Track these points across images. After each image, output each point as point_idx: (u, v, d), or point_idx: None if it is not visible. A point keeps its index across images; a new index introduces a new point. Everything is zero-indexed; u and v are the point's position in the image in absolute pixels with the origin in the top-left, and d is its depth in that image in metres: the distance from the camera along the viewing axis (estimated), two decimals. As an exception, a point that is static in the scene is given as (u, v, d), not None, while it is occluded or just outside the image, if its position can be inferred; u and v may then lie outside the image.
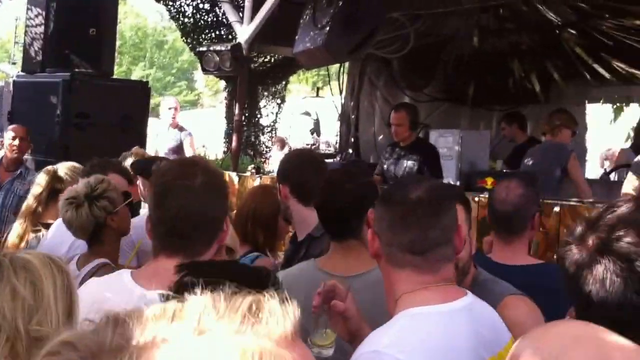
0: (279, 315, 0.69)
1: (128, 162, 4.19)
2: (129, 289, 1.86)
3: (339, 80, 8.60)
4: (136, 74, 27.07)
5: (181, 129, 7.79)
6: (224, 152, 8.22)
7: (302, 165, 3.13)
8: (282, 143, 11.92)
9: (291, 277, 2.41)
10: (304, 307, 0.78)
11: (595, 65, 7.87)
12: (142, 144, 6.23)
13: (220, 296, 0.70)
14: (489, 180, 6.53)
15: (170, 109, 7.72)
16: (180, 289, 1.49)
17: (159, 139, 7.79)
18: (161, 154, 7.71)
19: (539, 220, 3.05)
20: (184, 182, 1.91)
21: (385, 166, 6.33)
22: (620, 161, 6.96)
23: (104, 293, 1.85)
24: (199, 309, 0.68)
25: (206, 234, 1.93)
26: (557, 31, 7.74)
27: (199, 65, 7.26)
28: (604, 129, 10.91)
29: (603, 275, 1.34)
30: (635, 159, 5.41)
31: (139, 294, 1.82)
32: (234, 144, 7.17)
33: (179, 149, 7.67)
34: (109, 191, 2.96)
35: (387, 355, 1.60)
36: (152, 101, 7.95)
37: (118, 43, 7.27)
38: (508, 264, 2.83)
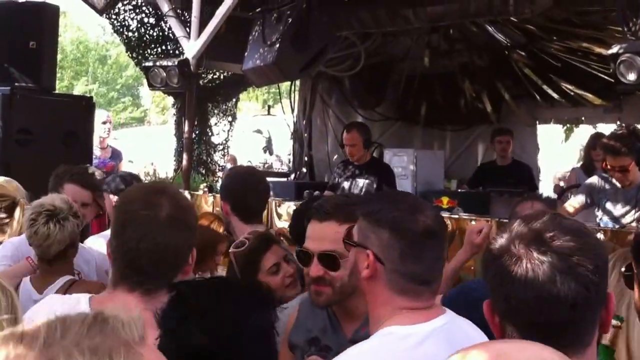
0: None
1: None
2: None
3: (290, 98, 8.76)
4: (78, 89, 26.77)
5: (114, 151, 7.60)
6: (175, 170, 8.27)
7: (244, 184, 3.31)
8: (234, 161, 12.01)
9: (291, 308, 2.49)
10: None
11: (545, 87, 8.22)
12: (89, 162, 6.24)
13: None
14: (445, 200, 6.78)
15: (104, 123, 7.45)
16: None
17: None
18: None
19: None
20: (148, 213, 1.83)
21: (338, 182, 6.49)
22: (572, 181, 7.27)
23: (56, 311, 1.92)
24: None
25: (167, 270, 1.87)
26: (507, 52, 8.06)
27: (144, 80, 7.29)
28: (556, 149, 11.33)
29: (541, 272, 1.38)
30: (586, 181, 5.72)
31: None
32: (184, 162, 7.21)
33: (109, 172, 7.56)
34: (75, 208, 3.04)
35: None
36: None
37: (59, 57, 7.24)
38: None
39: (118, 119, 23.68)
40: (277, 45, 6.12)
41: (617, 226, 5.18)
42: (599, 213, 5.50)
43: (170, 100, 11.69)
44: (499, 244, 1.47)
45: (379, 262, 1.81)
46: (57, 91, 6.84)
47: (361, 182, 6.29)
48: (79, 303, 1.90)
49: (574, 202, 5.54)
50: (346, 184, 6.38)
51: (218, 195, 6.41)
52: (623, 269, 2.03)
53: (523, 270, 1.40)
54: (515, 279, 1.40)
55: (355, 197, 2.49)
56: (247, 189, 3.28)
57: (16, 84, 6.19)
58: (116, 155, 7.75)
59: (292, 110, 8.88)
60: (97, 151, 7.43)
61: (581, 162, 8.08)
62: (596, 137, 7.12)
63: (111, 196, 3.81)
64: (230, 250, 2.95)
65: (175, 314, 1.59)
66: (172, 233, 1.84)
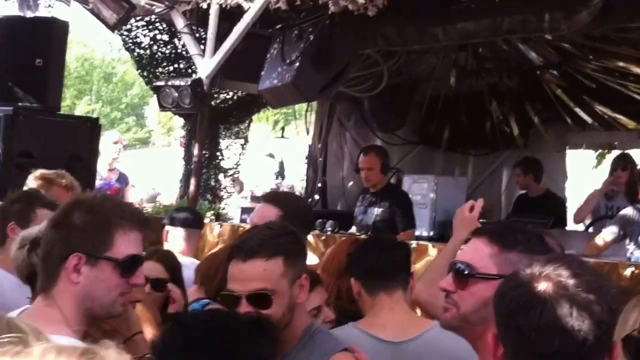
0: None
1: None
2: None
3: (305, 120, 8.66)
4: (81, 109, 26.91)
5: (121, 174, 7.62)
6: (181, 197, 8.14)
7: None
8: (241, 186, 11.89)
9: None
10: None
11: (577, 109, 8.10)
12: (92, 186, 6.14)
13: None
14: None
15: (115, 143, 7.55)
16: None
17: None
18: None
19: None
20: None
21: (355, 213, 6.35)
22: (590, 206, 7.08)
23: None
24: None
25: (48, 269, 2.04)
26: (538, 72, 7.95)
27: (150, 100, 7.22)
28: (587, 177, 11.15)
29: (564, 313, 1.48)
30: (620, 212, 5.56)
31: None
32: (192, 187, 7.09)
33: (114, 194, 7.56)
34: None
35: None
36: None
37: (62, 75, 7.19)
38: None
39: (121, 140, 23.77)
40: (297, 64, 6.06)
41: None
42: (631, 246, 5.35)
43: (176, 120, 11.59)
44: (519, 276, 1.57)
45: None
46: (60, 111, 6.76)
47: (375, 211, 6.13)
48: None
49: (606, 235, 5.38)
50: (361, 215, 6.25)
51: (225, 224, 6.30)
52: None
53: (541, 301, 1.49)
54: (532, 308, 1.50)
55: (277, 227, 2.43)
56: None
57: (20, 103, 6.13)
58: (123, 178, 7.72)
59: (307, 132, 8.77)
60: (103, 172, 7.45)
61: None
62: (620, 159, 6.97)
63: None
64: None
65: (175, 344, 1.69)
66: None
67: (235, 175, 9.66)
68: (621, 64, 7.25)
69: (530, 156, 7.76)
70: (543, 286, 1.51)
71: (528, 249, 1.89)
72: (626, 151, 7.71)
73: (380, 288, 2.79)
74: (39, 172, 4.31)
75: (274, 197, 3.56)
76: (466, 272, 1.97)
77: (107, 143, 7.65)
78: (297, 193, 11.28)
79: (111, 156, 7.49)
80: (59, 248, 2.03)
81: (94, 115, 25.24)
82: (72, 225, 2.03)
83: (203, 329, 1.70)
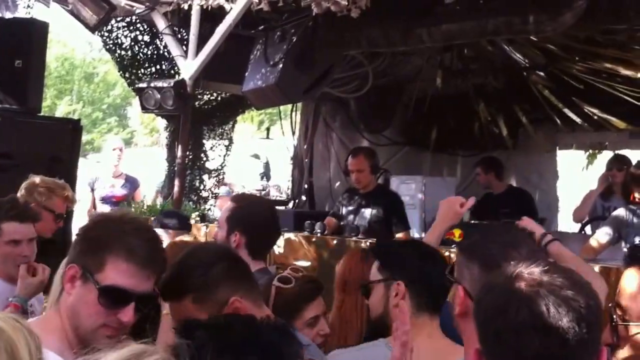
0: None
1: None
2: None
3: (290, 120, 8.73)
4: (62, 109, 26.79)
5: (128, 178, 7.91)
6: (165, 198, 8.21)
7: (268, 220, 3.33)
8: (231, 188, 11.93)
9: None
10: None
11: (566, 110, 8.21)
12: (72, 189, 6.19)
13: None
14: (457, 232, 6.68)
15: (114, 149, 7.81)
16: None
17: (97, 185, 7.83)
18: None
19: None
20: None
21: (343, 213, 6.42)
22: (587, 207, 7.21)
23: None
24: None
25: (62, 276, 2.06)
26: (525, 73, 8.05)
27: (132, 100, 7.28)
28: (578, 177, 11.27)
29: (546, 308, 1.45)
30: (612, 214, 5.63)
31: None
32: (176, 188, 7.14)
33: (120, 201, 7.74)
34: None
35: None
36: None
37: (41, 74, 7.23)
38: None
39: (103, 140, 23.68)
40: (280, 66, 6.12)
41: None
42: (627, 249, 5.33)
43: (159, 121, 11.61)
44: (494, 279, 1.58)
45: (469, 298, 1.87)
46: (41, 112, 6.81)
47: (368, 212, 6.23)
48: None
49: (600, 237, 5.36)
50: (352, 216, 6.33)
51: (212, 225, 6.36)
52: None
53: (516, 301, 1.47)
54: (508, 309, 1.48)
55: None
56: (270, 226, 3.22)
57: (-1, 105, 6.17)
58: (131, 182, 7.94)
59: (293, 133, 8.84)
60: (109, 180, 7.74)
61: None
62: (615, 159, 7.11)
63: None
64: (274, 284, 2.85)
65: (210, 347, 1.56)
66: None
67: (221, 177, 9.72)
68: (608, 65, 7.33)
69: (489, 155, 7.97)
70: (517, 286, 1.50)
71: (472, 254, 1.95)
72: (618, 152, 7.85)
73: (427, 308, 2.51)
74: (40, 179, 4.33)
75: (235, 198, 3.62)
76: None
77: (107, 150, 7.99)
78: (284, 193, 11.36)
79: (113, 163, 7.77)
80: (69, 256, 2.04)
81: (75, 116, 25.20)
82: (82, 235, 2.05)
83: (240, 330, 1.62)
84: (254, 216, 3.31)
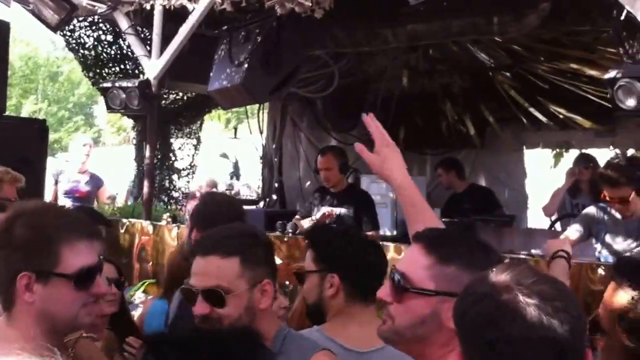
0: None
1: None
2: None
3: (258, 120, 8.75)
4: (27, 109, 26.61)
5: (93, 176, 8.11)
6: (135, 199, 8.21)
7: (223, 215, 3.27)
8: (214, 186, 11.96)
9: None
10: None
11: (532, 110, 8.33)
12: (40, 190, 6.16)
13: None
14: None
15: (85, 145, 8.09)
16: None
17: (61, 178, 7.92)
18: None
19: None
20: None
21: (315, 213, 6.47)
22: (555, 204, 7.37)
23: None
24: None
25: (3, 290, 1.99)
26: (491, 73, 8.15)
27: (98, 99, 7.26)
28: (546, 175, 11.41)
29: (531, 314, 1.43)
30: (583, 211, 5.74)
31: None
32: (145, 189, 7.11)
33: (83, 197, 7.79)
34: None
35: None
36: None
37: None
38: None
39: (70, 139, 23.50)
40: (245, 66, 6.13)
41: None
42: (598, 246, 5.47)
43: (126, 120, 11.56)
44: (477, 290, 1.52)
45: None
46: (6, 112, 6.76)
47: (338, 211, 6.28)
48: None
49: (570, 234, 5.43)
50: None
51: (183, 226, 6.36)
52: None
53: (509, 312, 1.43)
54: (501, 320, 1.44)
55: (239, 227, 2.53)
56: (228, 220, 3.22)
57: (-37, 106, 6.11)
58: (94, 181, 8.11)
59: (261, 132, 8.87)
60: (74, 175, 7.97)
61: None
62: (581, 158, 7.27)
63: None
64: None
65: None
66: None
67: (190, 176, 9.73)
68: (574, 65, 7.44)
69: (449, 156, 8.13)
70: (507, 297, 1.46)
71: (469, 263, 1.84)
72: (584, 151, 8.01)
73: (361, 298, 2.67)
74: None
75: (201, 197, 3.63)
76: (401, 284, 1.88)
77: (78, 147, 8.20)
78: (254, 193, 11.39)
79: (80, 159, 8.01)
80: (5, 269, 1.98)
81: (41, 115, 25.00)
82: (13, 244, 1.97)
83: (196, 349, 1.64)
84: (214, 215, 3.31)
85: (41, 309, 1.95)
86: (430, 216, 2.38)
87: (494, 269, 1.54)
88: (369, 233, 6.10)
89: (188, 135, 9.34)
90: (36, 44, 30.43)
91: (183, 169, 9.31)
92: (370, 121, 2.45)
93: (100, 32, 8.10)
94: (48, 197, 7.37)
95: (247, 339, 1.70)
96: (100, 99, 7.63)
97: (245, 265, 2.25)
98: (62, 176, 7.96)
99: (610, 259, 5.24)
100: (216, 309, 2.21)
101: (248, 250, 2.28)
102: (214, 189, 12.50)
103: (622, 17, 4.72)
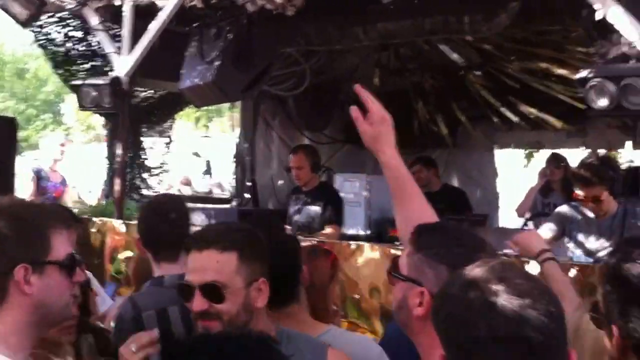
0: None
1: None
2: None
3: (231, 118, 8.76)
4: (-6, 107, 26.34)
5: (62, 176, 8.14)
6: (106, 197, 8.19)
7: (153, 214, 3.24)
8: (189, 183, 11.95)
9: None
10: None
11: (503, 109, 8.41)
12: (10, 189, 6.12)
13: None
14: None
15: (62, 145, 8.21)
16: None
17: (42, 174, 7.92)
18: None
19: None
20: None
21: (290, 212, 6.52)
22: (527, 203, 7.48)
23: None
24: None
25: None
26: (462, 72, 8.22)
27: (66, 96, 7.23)
28: (517, 175, 11.58)
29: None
30: (555, 210, 5.76)
31: None
32: (116, 187, 7.07)
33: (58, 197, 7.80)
34: None
35: None
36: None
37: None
38: None
39: (39, 137, 23.28)
40: (217, 63, 6.15)
41: (591, 260, 5.10)
42: (570, 245, 5.47)
43: (95, 117, 11.50)
44: (448, 289, 1.55)
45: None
46: (-27, 110, 6.71)
47: (311, 210, 6.36)
48: None
49: (544, 233, 5.33)
50: (298, 216, 6.44)
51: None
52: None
53: (475, 312, 1.45)
54: (467, 321, 1.45)
55: (237, 224, 2.53)
56: (158, 220, 3.15)
57: None
58: (62, 180, 8.15)
59: (232, 129, 8.88)
60: (50, 173, 8.01)
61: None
62: (552, 158, 7.37)
63: None
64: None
65: None
66: None
67: (162, 175, 9.71)
68: (543, 65, 7.53)
69: (425, 154, 8.08)
70: (474, 295, 1.47)
71: (436, 255, 1.90)
72: (555, 151, 8.11)
73: (292, 299, 2.61)
74: None
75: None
76: (388, 269, 2.02)
77: (53, 145, 8.26)
78: (226, 191, 11.40)
79: (54, 157, 8.06)
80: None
81: (9, 112, 24.74)
82: (3, 237, 1.94)
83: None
84: (142, 214, 3.31)
85: (37, 300, 1.95)
86: (417, 192, 2.44)
87: (467, 268, 1.56)
88: (329, 228, 6.18)
89: (160, 134, 9.33)
90: (1, 40, 30.14)
91: (154, 168, 9.30)
92: (362, 90, 2.45)
93: (70, 29, 8.05)
94: (24, 194, 7.30)
95: (265, 345, 1.64)
96: (68, 97, 7.61)
97: (242, 261, 2.23)
98: (42, 173, 7.93)
99: (583, 259, 5.26)
100: (214, 305, 2.19)
101: (246, 246, 2.27)
102: (188, 186, 12.54)
103: (595, 17, 4.72)
